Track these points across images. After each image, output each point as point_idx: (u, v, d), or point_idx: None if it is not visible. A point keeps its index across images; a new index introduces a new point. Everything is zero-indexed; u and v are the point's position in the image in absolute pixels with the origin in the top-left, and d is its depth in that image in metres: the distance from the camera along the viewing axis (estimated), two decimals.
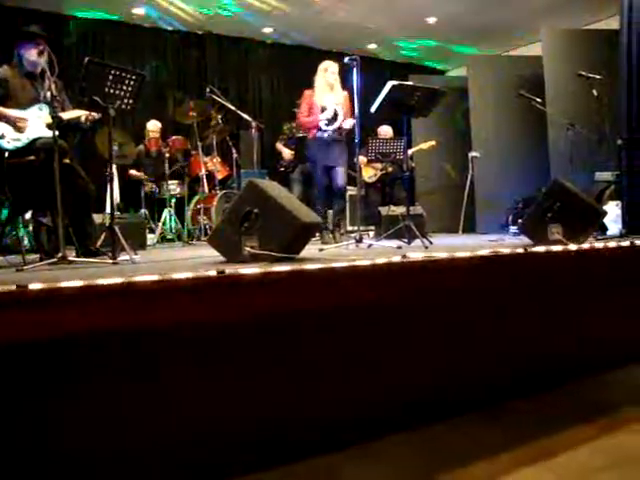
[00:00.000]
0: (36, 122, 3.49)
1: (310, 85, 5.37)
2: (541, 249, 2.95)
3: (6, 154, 3.43)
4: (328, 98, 5.23)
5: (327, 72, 5.25)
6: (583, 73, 5.06)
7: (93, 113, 3.63)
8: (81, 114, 3.63)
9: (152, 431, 1.95)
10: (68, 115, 3.56)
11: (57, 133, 3.14)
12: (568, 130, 5.16)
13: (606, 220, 4.66)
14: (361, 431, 2.32)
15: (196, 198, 6.66)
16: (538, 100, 5.48)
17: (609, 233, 4.78)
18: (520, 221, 4.80)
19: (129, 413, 1.91)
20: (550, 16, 8.15)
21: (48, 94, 3.28)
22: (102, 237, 4.19)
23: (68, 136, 3.77)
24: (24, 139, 3.45)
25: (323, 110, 5.18)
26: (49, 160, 3.10)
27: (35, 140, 3.46)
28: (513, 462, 2.12)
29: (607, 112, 5.12)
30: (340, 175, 5.29)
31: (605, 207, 4.87)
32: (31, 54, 3.59)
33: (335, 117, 5.17)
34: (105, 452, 1.86)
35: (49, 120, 3.31)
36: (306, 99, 5.33)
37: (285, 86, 9.33)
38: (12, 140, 3.42)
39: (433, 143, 7.22)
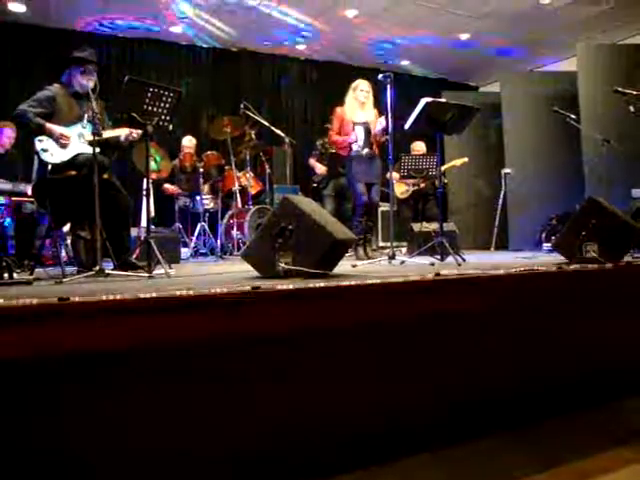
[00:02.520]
0: (78, 139, 3.61)
1: (342, 102, 5.41)
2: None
3: (49, 167, 3.54)
4: (359, 116, 5.27)
5: (357, 90, 5.29)
6: (620, 89, 5.00)
7: (134, 133, 3.71)
8: (121, 133, 3.72)
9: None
10: (109, 134, 3.65)
11: (97, 150, 3.23)
12: (603, 146, 5.11)
13: None
14: (384, 451, 2.30)
15: (229, 213, 6.73)
16: (573, 116, 5.43)
17: None
18: (554, 238, 4.74)
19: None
20: (583, 32, 8.13)
21: (91, 113, 3.37)
22: (137, 251, 4.26)
23: (109, 153, 3.86)
24: (67, 154, 3.56)
25: (354, 127, 5.20)
26: (90, 175, 3.20)
27: (77, 156, 3.57)
28: None
29: None
30: (376, 192, 5.31)
31: None
32: (82, 77, 3.71)
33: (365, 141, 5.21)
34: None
35: (90, 137, 3.41)
36: (337, 116, 5.37)
37: (318, 102, 9.41)
38: (55, 154, 3.53)
39: (466, 159, 7.18)
